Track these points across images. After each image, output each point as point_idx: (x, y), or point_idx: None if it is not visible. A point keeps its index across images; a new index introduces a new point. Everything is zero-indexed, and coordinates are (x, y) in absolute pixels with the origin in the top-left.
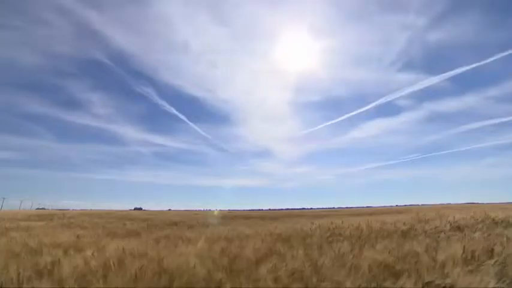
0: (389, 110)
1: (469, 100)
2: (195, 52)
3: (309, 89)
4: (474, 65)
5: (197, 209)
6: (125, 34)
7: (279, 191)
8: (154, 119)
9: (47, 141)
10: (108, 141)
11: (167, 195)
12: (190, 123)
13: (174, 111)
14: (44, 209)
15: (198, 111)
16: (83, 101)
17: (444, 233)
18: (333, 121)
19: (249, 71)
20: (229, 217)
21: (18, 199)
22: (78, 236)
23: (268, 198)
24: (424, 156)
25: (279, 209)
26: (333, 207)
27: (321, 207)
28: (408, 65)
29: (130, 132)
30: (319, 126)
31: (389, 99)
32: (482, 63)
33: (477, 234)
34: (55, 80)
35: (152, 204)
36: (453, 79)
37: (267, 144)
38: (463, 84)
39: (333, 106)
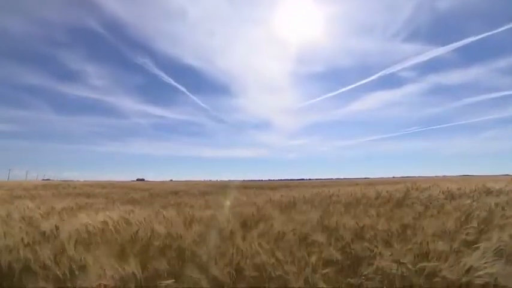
0: (391, 81)
1: (474, 72)
2: (192, 20)
3: (311, 59)
4: (483, 35)
5: (198, 179)
6: (119, 1)
7: (279, 162)
8: (153, 90)
9: (45, 113)
10: (107, 113)
11: (168, 166)
12: (189, 94)
13: (172, 82)
14: (49, 180)
15: (197, 81)
16: (79, 72)
17: (438, 201)
18: (334, 93)
19: (248, 40)
20: (229, 187)
21: (23, 170)
22: (86, 203)
23: (267, 169)
24: (423, 129)
25: (278, 180)
26: (332, 178)
27: (320, 178)
28: (414, 35)
29: (128, 103)
30: (319, 98)
31: (392, 70)
32: (491, 33)
33: (469, 201)
34: (47, 49)
35: (154, 175)
36: (460, 50)
37: (267, 116)
38: (469, 56)
39: (335, 77)
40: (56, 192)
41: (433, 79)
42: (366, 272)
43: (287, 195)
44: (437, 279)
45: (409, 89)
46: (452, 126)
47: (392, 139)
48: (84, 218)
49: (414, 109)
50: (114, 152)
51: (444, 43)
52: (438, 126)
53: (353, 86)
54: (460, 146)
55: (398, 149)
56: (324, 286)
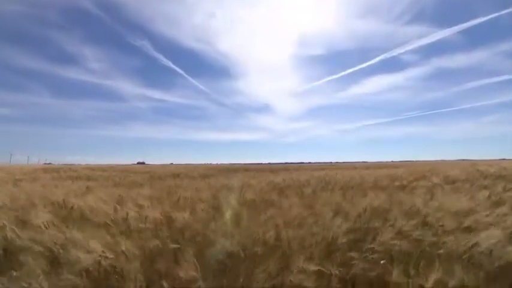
0: (393, 65)
1: (478, 55)
2: (191, 1)
3: (312, 41)
4: (490, 16)
5: (198, 162)
6: None
7: (278, 146)
8: (152, 74)
9: (43, 97)
10: (106, 97)
11: (169, 150)
12: (189, 78)
13: (171, 64)
14: (51, 164)
15: (196, 64)
16: (75, 55)
17: (435, 185)
18: (335, 76)
19: (249, 22)
20: (230, 170)
21: (25, 155)
22: (87, 187)
23: (267, 153)
24: (424, 113)
25: (277, 163)
26: (331, 162)
27: (319, 161)
28: (419, 17)
29: (127, 87)
30: (320, 81)
31: (395, 53)
32: (500, 13)
33: (467, 186)
34: (42, 31)
35: (154, 159)
36: (465, 32)
37: (267, 99)
38: (475, 38)
39: (336, 60)
40: (56, 176)
41: (436, 63)
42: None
43: (291, 177)
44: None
45: (411, 72)
46: (454, 111)
47: (393, 123)
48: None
49: (416, 93)
50: (114, 136)
51: (450, 24)
52: (439, 111)
53: (354, 69)
54: (461, 130)
55: (398, 133)
56: None
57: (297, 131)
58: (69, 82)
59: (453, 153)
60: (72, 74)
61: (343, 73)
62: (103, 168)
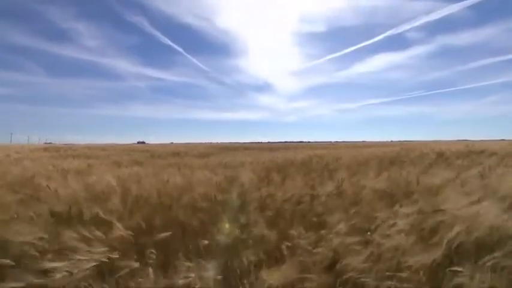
0: (398, 42)
1: (486, 32)
2: None
3: (313, 18)
4: None
5: (198, 141)
6: None
7: (278, 125)
8: (149, 51)
9: (39, 76)
10: (103, 76)
11: (169, 129)
12: (188, 55)
13: (168, 41)
14: (51, 143)
15: (195, 42)
16: (69, 31)
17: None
18: (337, 54)
19: None
20: (230, 148)
21: (25, 134)
22: (87, 164)
23: (267, 132)
24: (426, 93)
25: (277, 142)
26: (330, 141)
27: (319, 140)
28: None
29: (124, 65)
30: (321, 60)
31: (399, 30)
32: None
33: (459, 161)
34: (34, 6)
35: (154, 139)
36: (474, 7)
37: (268, 78)
38: (483, 14)
39: (338, 38)
40: (56, 155)
41: (442, 40)
42: None
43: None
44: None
45: (416, 50)
46: (457, 91)
47: (394, 103)
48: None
49: (419, 72)
50: (114, 116)
51: None
52: (442, 91)
53: (357, 47)
54: (462, 111)
55: (398, 113)
56: None
57: (297, 111)
58: (65, 60)
59: (453, 133)
60: (67, 51)
61: (345, 51)
62: (103, 148)
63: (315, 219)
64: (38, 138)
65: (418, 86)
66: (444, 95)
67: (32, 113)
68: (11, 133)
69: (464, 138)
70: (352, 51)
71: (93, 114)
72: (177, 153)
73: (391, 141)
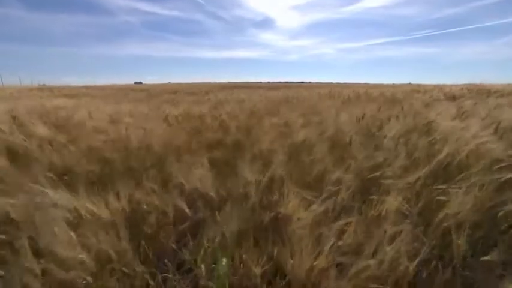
0: None
1: None
2: None
3: None
4: None
5: (196, 81)
6: None
7: (279, 64)
8: None
9: (17, 10)
10: (90, 11)
11: (166, 69)
12: None
13: None
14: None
15: None
16: None
17: (438, 101)
18: None
19: None
20: (229, 87)
21: (16, 76)
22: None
23: (267, 71)
24: (436, 32)
25: (277, 82)
26: (331, 82)
27: (321, 81)
28: None
29: None
30: None
31: None
32: None
33: (469, 102)
34: None
35: (152, 79)
36: None
37: (268, 12)
38: None
39: None
40: (51, 95)
41: None
42: None
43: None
44: None
45: None
46: (469, 30)
47: (401, 43)
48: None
49: (433, 8)
50: (108, 55)
51: None
52: (453, 30)
53: None
54: (472, 52)
55: (404, 54)
56: None
57: (299, 49)
58: None
59: (464, 76)
60: None
61: None
62: (100, 87)
63: None
64: (30, 81)
65: (430, 24)
66: (454, 35)
67: (18, 52)
68: (0, 75)
69: (474, 82)
70: None
71: (86, 54)
72: (174, 92)
73: (393, 84)
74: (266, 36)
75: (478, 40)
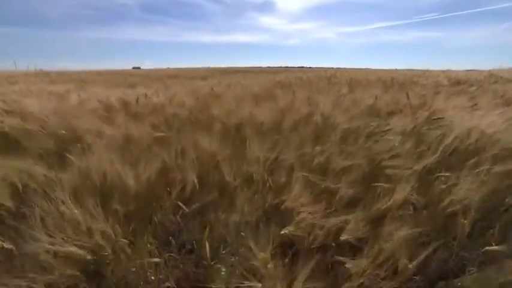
0: None
1: None
2: None
3: None
4: None
5: (195, 66)
6: None
7: (279, 48)
8: None
9: None
10: None
11: (164, 54)
12: None
13: None
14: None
15: None
16: None
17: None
18: None
19: None
20: (229, 72)
21: (11, 60)
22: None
23: (267, 56)
24: (441, 16)
25: (277, 67)
26: (332, 67)
27: (321, 66)
28: None
29: None
30: None
31: None
32: None
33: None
34: None
35: (150, 64)
36: None
37: None
38: None
39: None
40: (49, 80)
41: None
42: None
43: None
44: None
45: None
46: (475, 13)
47: (404, 27)
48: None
49: None
50: (104, 39)
51: None
52: (459, 13)
53: None
54: (477, 37)
55: (407, 38)
56: None
57: (299, 33)
58: None
59: (463, 61)
60: None
61: None
62: (99, 72)
63: None
64: (26, 65)
65: (434, 7)
66: (459, 18)
67: (11, 36)
68: None
69: (477, 68)
70: None
71: (82, 38)
72: (174, 76)
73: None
74: (266, 19)
75: (483, 24)
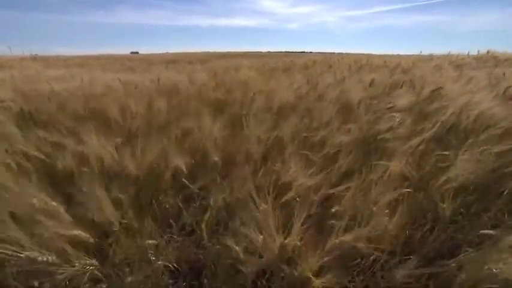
0: None
1: None
2: None
3: None
4: None
5: (194, 51)
6: None
7: (279, 33)
8: None
9: None
10: None
11: (162, 38)
12: None
13: None
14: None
15: None
16: None
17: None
18: None
19: None
20: (228, 56)
21: (5, 45)
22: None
23: (267, 40)
24: None
25: (277, 52)
26: (333, 52)
27: (322, 51)
28: None
29: None
30: None
31: None
32: None
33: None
34: None
35: (148, 48)
36: None
37: None
38: None
39: None
40: (46, 64)
41: None
42: None
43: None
44: None
45: None
46: None
47: (407, 10)
48: None
49: None
50: (101, 23)
51: None
52: None
53: None
54: (484, 21)
55: (411, 22)
56: None
57: (300, 16)
58: None
59: (468, 46)
60: None
61: None
62: (96, 57)
63: None
64: (21, 50)
65: None
66: (466, 1)
67: (4, 19)
68: None
69: (484, 51)
70: None
71: (77, 22)
72: (173, 61)
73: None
74: (266, 2)
75: (490, 8)
